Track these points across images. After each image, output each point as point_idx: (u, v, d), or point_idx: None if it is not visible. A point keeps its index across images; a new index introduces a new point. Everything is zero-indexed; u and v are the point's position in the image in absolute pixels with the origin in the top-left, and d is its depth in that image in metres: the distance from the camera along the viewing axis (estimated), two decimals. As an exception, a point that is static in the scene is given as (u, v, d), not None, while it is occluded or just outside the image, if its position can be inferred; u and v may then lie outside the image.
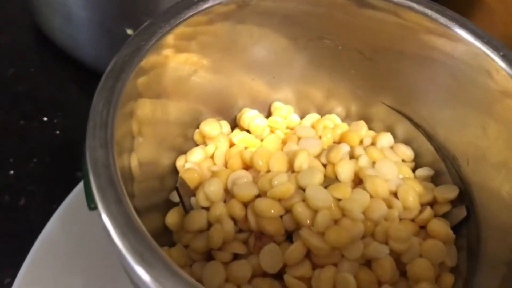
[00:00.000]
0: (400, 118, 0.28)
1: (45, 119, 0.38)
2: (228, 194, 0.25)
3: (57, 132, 0.37)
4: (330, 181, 0.25)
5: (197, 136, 0.28)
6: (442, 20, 0.24)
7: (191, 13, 0.23)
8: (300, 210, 0.22)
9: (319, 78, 0.28)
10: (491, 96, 0.23)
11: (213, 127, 0.27)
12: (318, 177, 0.24)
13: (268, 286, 0.22)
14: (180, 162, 0.27)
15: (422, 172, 0.27)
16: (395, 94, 0.28)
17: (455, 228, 0.25)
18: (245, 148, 0.27)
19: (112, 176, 0.17)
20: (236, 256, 0.24)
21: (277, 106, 0.29)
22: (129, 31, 0.34)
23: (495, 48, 0.23)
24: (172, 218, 0.25)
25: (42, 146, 0.37)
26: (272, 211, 0.23)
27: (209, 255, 0.24)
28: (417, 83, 0.27)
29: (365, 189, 0.24)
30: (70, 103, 0.39)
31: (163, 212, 0.26)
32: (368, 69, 0.27)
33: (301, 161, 0.24)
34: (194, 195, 0.25)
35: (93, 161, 0.18)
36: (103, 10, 0.34)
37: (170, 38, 0.23)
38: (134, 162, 0.22)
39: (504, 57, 0.22)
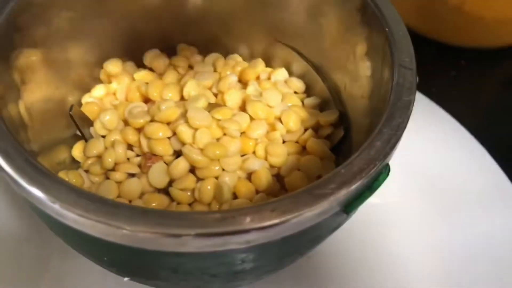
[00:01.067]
0: (294, 55, 0.30)
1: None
2: (127, 124, 0.27)
3: None
4: (217, 107, 0.27)
5: (102, 76, 0.30)
6: None
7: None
8: (183, 129, 0.25)
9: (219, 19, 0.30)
10: (360, 27, 0.25)
11: (116, 66, 0.29)
12: (202, 102, 0.26)
13: (157, 200, 0.24)
14: (85, 99, 0.29)
15: (310, 101, 0.29)
16: (285, 31, 0.30)
17: (337, 149, 0.27)
18: (146, 84, 0.29)
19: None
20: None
21: (182, 47, 0.31)
22: None
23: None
24: (77, 150, 0.27)
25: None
26: (160, 133, 0.25)
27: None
28: (299, 17, 0.29)
29: (247, 112, 0.26)
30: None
31: (72, 146, 0.28)
32: (258, 9, 0.29)
33: (189, 89, 0.27)
34: (92, 125, 0.27)
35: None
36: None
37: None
38: (22, 109, 0.24)
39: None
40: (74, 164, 0.28)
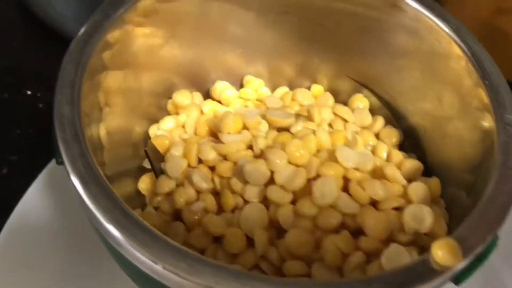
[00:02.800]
0: (364, 90, 0.29)
1: (29, 92, 0.39)
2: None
3: (40, 105, 0.38)
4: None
5: (170, 106, 0.29)
6: (401, -5, 0.25)
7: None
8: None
9: (288, 53, 0.30)
10: (445, 67, 0.25)
11: (185, 97, 0.28)
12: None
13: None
14: (152, 131, 0.28)
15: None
16: (359, 68, 0.29)
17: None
18: (214, 117, 0.28)
19: (77, 132, 0.19)
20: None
21: (248, 79, 0.30)
22: None
23: (447, 21, 0.24)
24: (144, 182, 0.26)
25: (25, 118, 0.38)
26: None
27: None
28: (376, 56, 0.28)
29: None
30: (53, 77, 0.40)
31: (136, 177, 0.27)
32: (333, 44, 0.28)
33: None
34: (164, 160, 0.26)
35: (59, 117, 0.19)
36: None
37: (139, 8, 0.24)
38: (103, 131, 0.23)
39: (456, 31, 0.24)
40: (139, 197, 0.27)
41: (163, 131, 0.28)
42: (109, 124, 0.24)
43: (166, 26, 0.26)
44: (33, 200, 0.31)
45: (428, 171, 0.26)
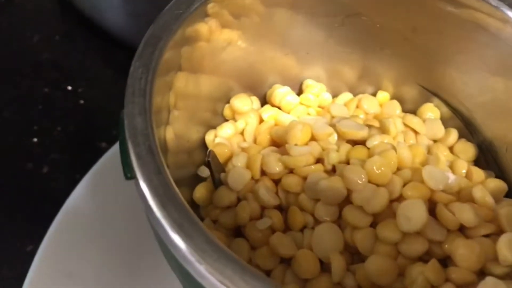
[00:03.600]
0: (435, 100, 0.27)
1: (70, 88, 0.37)
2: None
3: (81, 101, 0.37)
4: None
5: (227, 111, 0.27)
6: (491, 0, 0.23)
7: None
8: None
9: (353, 56, 0.28)
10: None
11: (244, 103, 0.27)
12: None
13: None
14: (209, 137, 0.26)
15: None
16: (432, 76, 0.27)
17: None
18: (275, 125, 0.26)
19: (152, 145, 0.17)
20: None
21: (309, 84, 0.29)
22: None
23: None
24: (200, 192, 0.25)
25: (66, 114, 0.36)
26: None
27: (237, 231, 0.24)
28: (457, 65, 0.26)
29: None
30: (94, 72, 0.39)
31: (190, 186, 0.25)
32: (405, 49, 0.27)
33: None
34: (224, 170, 0.25)
35: (131, 129, 0.17)
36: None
37: (207, 9, 0.22)
38: (169, 134, 0.22)
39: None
40: (191, 207, 0.25)
41: (221, 139, 0.26)
42: (175, 127, 0.23)
43: (230, 28, 0.24)
44: (77, 204, 0.30)
45: (509, 192, 0.24)
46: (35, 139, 0.35)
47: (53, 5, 0.42)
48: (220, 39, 0.24)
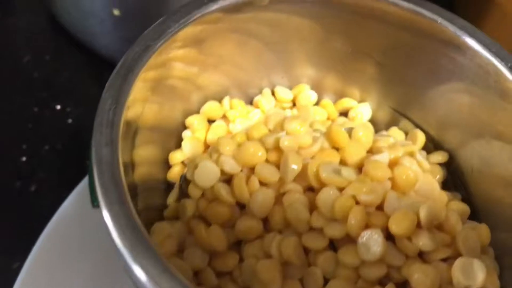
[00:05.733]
0: (407, 123, 0.28)
1: (58, 107, 0.38)
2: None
3: (69, 120, 0.38)
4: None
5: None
6: (451, 28, 0.24)
7: (200, 13, 0.23)
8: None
9: (329, 81, 0.28)
10: (499, 106, 0.23)
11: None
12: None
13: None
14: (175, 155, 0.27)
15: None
16: (403, 99, 0.28)
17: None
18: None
19: (116, 176, 0.18)
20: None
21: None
22: (116, 12, 0.34)
23: (503, 59, 0.23)
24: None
25: (54, 134, 0.37)
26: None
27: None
28: (426, 90, 0.26)
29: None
30: (83, 91, 0.40)
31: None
32: (377, 73, 0.27)
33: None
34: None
35: (98, 159, 0.18)
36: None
37: (179, 38, 0.23)
38: (136, 157, 0.22)
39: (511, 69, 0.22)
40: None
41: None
42: (139, 154, 0.23)
43: (205, 53, 0.25)
44: (62, 222, 0.31)
45: (473, 214, 0.24)
46: (24, 158, 0.36)
47: (43, 24, 0.43)
48: (193, 66, 0.25)
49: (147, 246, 0.17)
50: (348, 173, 0.21)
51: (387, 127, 0.28)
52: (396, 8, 0.25)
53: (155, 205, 0.25)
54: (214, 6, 0.24)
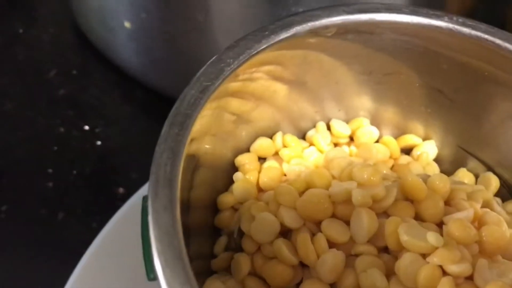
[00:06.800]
0: (477, 164, 0.26)
1: (87, 127, 0.36)
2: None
3: (98, 142, 0.36)
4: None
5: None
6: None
7: (261, 47, 0.21)
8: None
9: (390, 115, 0.26)
10: None
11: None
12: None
13: None
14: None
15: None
16: (473, 137, 0.25)
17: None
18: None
19: (179, 250, 0.16)
20: None
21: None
22: (127, 24, 0.32)
23: None
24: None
25: (82, 157, 0.35)
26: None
27: None
28: (501, 129, 0.24)
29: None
30: (112, 111, 0.37)
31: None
32: (446, 109, 0.25)
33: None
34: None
35: (157, 228, 0.16)
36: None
37: (236, 77, 0.20)
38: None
39: None
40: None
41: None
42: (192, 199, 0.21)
43: (261, 89, 0.23)
44: (96, 257, 0.29)
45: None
46: (50, 183, 0.34)
47: (70, 37, 0.40)
48: (247, 104, 0.23)
49: None
50: (435, 238, 0.18)
51: (453, 167, 0.26)
52: (474, 42, 0.22)
53: (202, 253, 0.23)
54: (275, 39, 0.21)
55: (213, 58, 0.20)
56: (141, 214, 0.18)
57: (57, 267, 0.29)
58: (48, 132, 0.36)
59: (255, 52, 0.21)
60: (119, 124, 0.37)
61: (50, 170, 0.34)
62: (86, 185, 0.34)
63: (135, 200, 0.30)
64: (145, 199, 0.17)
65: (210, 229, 0.24)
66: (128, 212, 0.30)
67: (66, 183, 0.34)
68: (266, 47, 0.21)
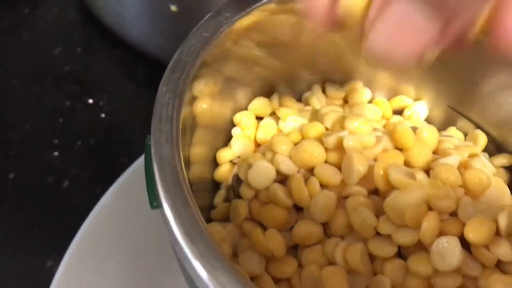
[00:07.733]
0: (466, 122, 0.27)
1: (91, 101, 0.37)
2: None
3: (102, 115, 0.37)
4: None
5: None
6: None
7: (258, 4, 0.22)
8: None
9: (382, 78, 0.27)
10: None
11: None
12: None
13: None
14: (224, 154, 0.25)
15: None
16: (462, 97, 0.26)
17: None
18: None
19: (179, 176, 0.17)
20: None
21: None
22: (173, 8, 0.33)
23: None
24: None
25: (87, 128, 0.36)
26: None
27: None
28: (488, 87, 0.25)
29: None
30: (116, 85, 0.38)
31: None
32: (436, 70, 0.26)
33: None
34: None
35: (159, 159, 0.17)
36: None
37: (235, 30, 0.22)
38: (192, 154, 0.21)
39: None
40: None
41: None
42: (194, 150, 0.22)
43: (259, 46, 0.24)
44: (98, 222, 0.30)
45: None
46: (56, 153, 0.35)
47: (75, 16, 0.41)
48: (247, 59, 0.24)
49: (210, 244, 0.15)
50: (421, 176, 0.20)
51: (443, 127, 0.27)
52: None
53: (202, 205, 0.24)
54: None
55: (211, 13, 0.21)
56: (145, 151, 0.19)
57: (62, 232, 0.30)
58: (54, 106, 0.37)
59: (252, 7, 0.22)
60: (123, 99, 0.38)
61: (56, 141, 0.35)
62: (90, 155, 0.35)
63: (135, 168, 0.31)
64: (148, 138, 0.18)
65: (210, 184, 0.25)
66: (129, 177, 0.31)
67: (71, 153, 0.35)
68: (265, 3, 0.22)
